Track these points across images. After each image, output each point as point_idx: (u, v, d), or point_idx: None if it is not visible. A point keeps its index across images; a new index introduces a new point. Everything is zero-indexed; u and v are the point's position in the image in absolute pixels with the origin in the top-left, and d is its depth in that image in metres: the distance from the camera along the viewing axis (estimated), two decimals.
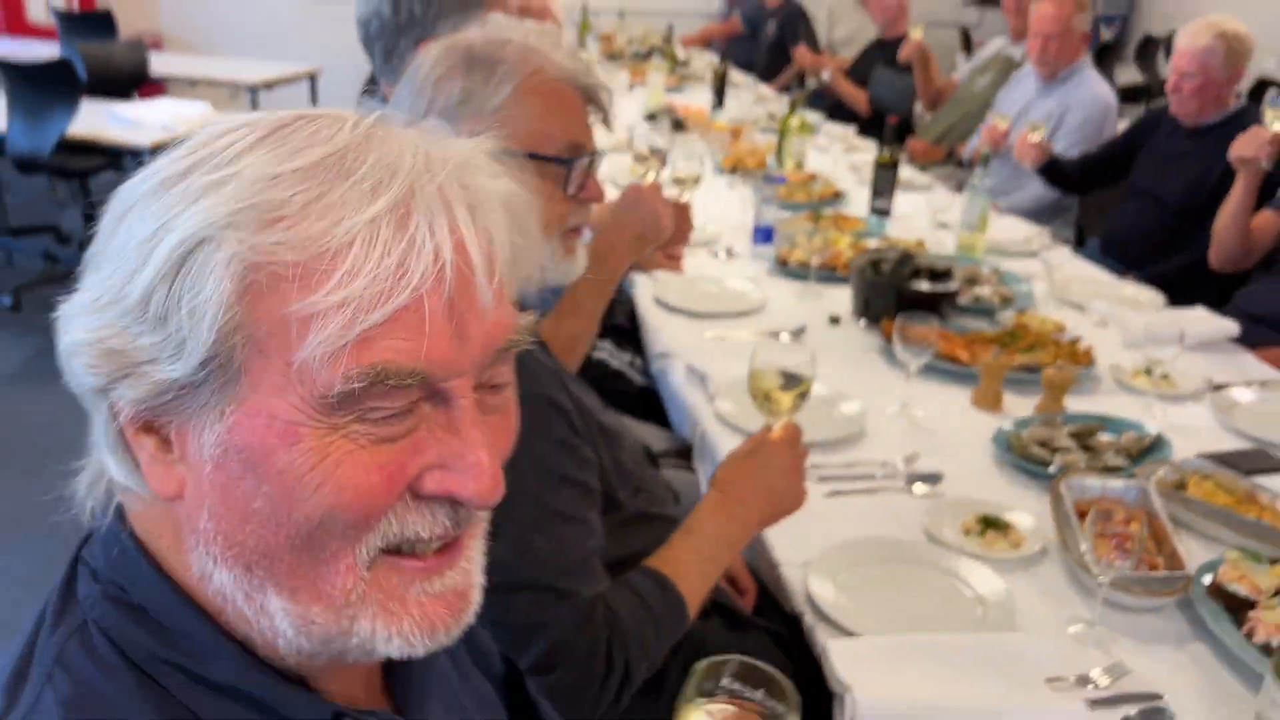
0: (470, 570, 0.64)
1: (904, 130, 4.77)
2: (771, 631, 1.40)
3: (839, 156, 3.81)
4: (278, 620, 0.60)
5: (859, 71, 5.29)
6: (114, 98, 4.58)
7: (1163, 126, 3.12)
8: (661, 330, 2.27)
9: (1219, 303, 2.68)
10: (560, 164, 1.12)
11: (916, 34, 4.46)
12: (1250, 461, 1.76)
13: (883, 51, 5.15)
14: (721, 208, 3.16)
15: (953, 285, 2.28)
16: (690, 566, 1.17)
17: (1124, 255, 3.07)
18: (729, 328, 2.28)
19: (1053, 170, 3.32)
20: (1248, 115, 2.90)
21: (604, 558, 1.15)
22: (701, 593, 1.18)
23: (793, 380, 1.31)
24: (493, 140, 0.65)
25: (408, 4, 1.59)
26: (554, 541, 1.06)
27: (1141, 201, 3.16)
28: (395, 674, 0.71)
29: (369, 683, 0.70)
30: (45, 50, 5.09)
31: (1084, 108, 3.51)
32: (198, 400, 0.57)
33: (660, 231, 1.61)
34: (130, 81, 5.00)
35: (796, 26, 5.81)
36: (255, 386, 0.56)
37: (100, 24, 5.36)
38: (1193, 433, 1.88)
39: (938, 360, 2.04)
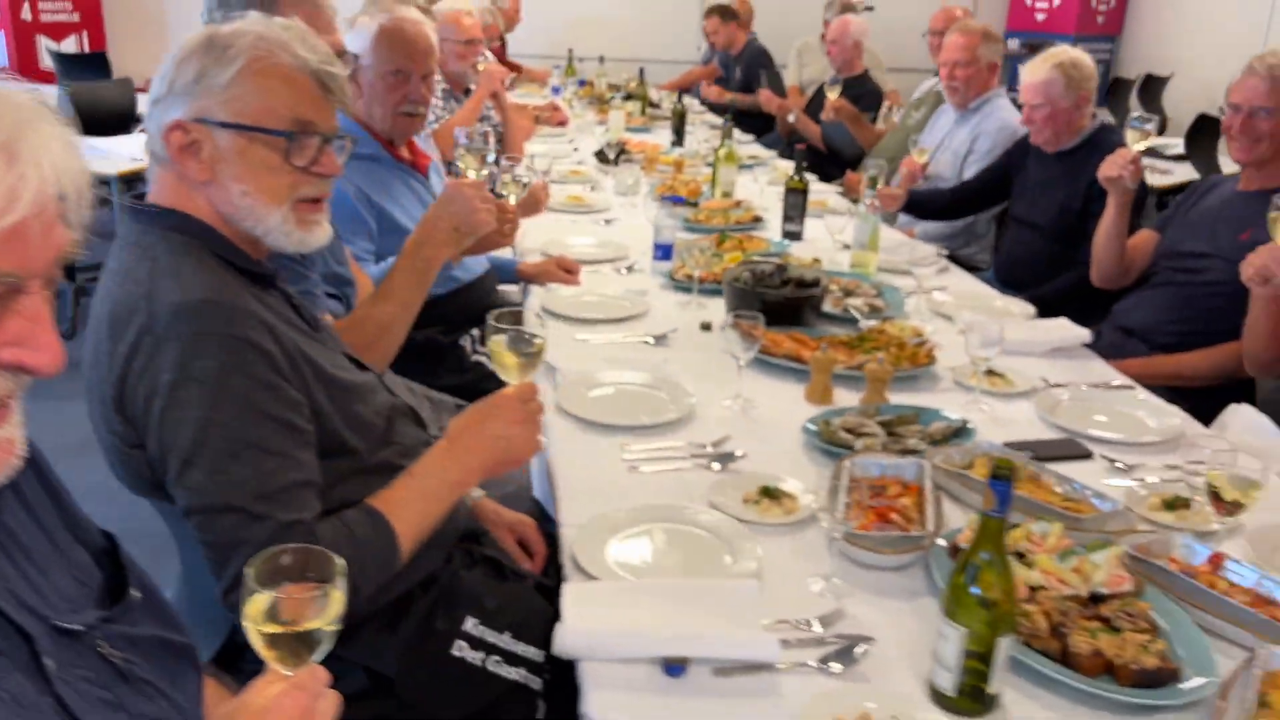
0: (16, 425, 0.79)
1: (853, 165, 4.92)
2: (543, 585, 1.50)
3: (766, 187, 3.94)
4: None
5: (814, 110, 5.44)
6: (106, 135, 4.84)
7: (1030, 156, 3.24)
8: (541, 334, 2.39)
9: (1102, 317, 2.77)
10: (282, 137, 1.25)
11: (833, 95, 4.64)
12: (1051, 449, 1.84)
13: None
14: (644, 231, 3.30)
15: (814, 292, 2.39)
16: (406, 503, 1.27)
17: (1012, 280, 3.17)
18: (604, 332, 2.40)
19: (914, 207, 3.41)
20: (1104, 134, 3.02)
21: (341, 501, 1.26)
22: (417, 526, 1.28)
23: (524, 348, 1.40)
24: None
25: (220, 15, 1.75)
26: (251, 469, 1.16)
27: (1021, 229, 3.27)
28: None
29: None
30: (46, 92, 5.38)
31: (992, 136, 3.63)
32: None
33: (475, 225, 1.72)
34: (121, 120, 5.26)
35: (759, 69, 6.00)
36: None
37: (95, 66, 5.65)
38: (1014, 425, 1.97)
39: (784, 360, 2.16)
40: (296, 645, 0.83)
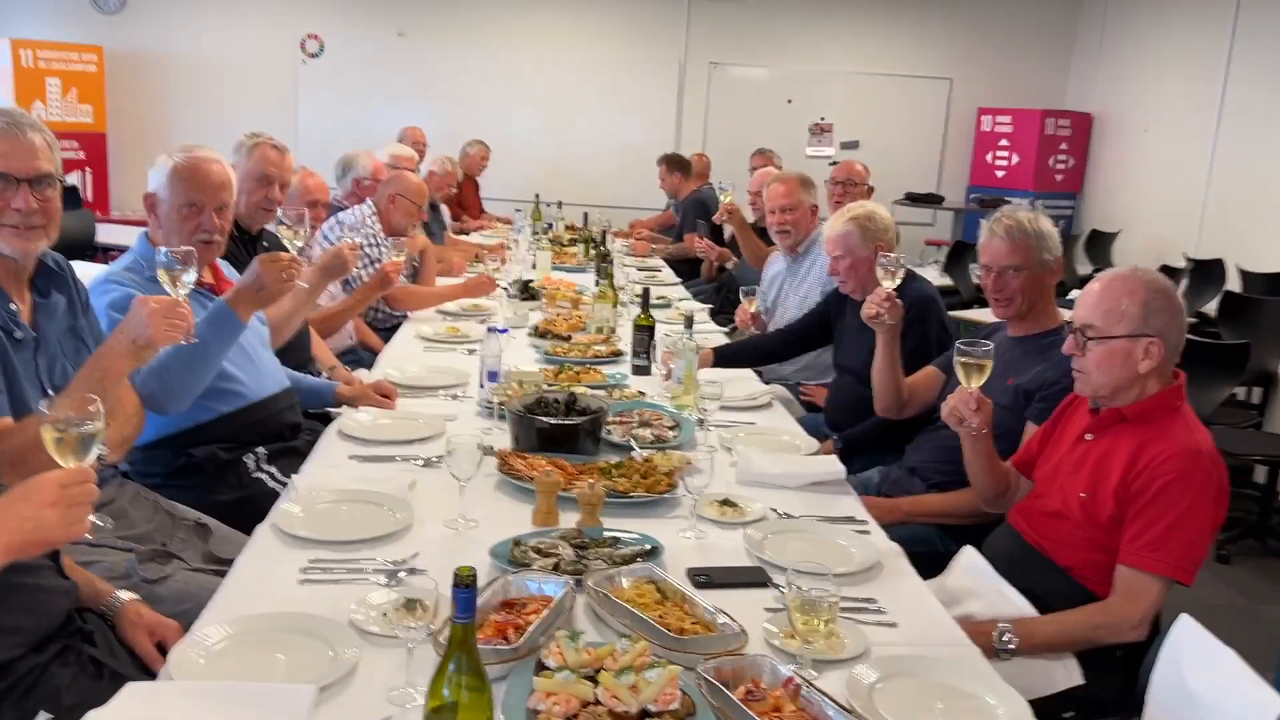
0: None
1: None
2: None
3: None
4: None
5: (735, 249, 5.66)
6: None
7: (847, 306, 3.32)
8: (321, 454, 2.50)
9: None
10: None
11: (726, 198, 4.87)
12: (731, 575, 1.89)
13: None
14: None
15: (584, 421, 2.47)
16: None
17: (833, 423, 3.24)
18: (383, 451, 2.49)
19: (721, 361, 3.44)
20: (905, 282, 3.11)
21: None
22: None
23: (68, 432, 1.44)
24: None
25: None
26: None
27: (842, 374, 3.35)
28: None
29: None
30: None
31: (821, 279, 3.77)
32: None
33: (150, 339, 1.84)
34: (80, 247, 5.63)
35: (690, 215, 6.29)
36: None
37: (66, 197, 6.08)
38: (718, 552, 2.02)
39: (531, 484, 2.23)
40: None
